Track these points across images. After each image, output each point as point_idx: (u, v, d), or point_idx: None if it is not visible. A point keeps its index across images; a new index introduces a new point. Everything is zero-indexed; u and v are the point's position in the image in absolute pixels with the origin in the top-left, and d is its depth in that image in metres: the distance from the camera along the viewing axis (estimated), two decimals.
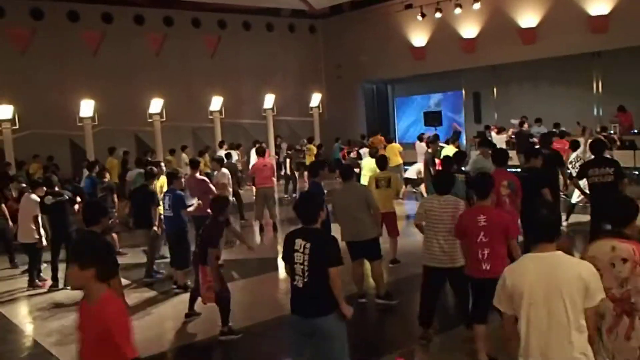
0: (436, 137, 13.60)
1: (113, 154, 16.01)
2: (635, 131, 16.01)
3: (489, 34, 18.96)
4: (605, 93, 17.78)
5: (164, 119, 18.10)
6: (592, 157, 7.83)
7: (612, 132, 15.33)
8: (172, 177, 8.75)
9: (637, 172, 14.12)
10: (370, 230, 6.95)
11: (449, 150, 12.02)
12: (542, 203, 3.42)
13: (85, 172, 13.17)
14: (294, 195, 15.65)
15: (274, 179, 12.79)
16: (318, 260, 4.20)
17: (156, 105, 17.90)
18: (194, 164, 10.39)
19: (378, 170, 8.89)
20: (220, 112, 19.13)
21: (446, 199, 5.67)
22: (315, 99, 21.80)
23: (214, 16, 21.36)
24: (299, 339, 4.42)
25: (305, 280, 4.23)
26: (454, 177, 6.10)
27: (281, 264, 9.65)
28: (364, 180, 10.87)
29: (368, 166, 11.39)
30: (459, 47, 19.78)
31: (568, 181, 9.70)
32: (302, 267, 4.23)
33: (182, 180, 9.06)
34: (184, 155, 16.48)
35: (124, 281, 7.97)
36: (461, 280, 5.48)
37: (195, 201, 8.92)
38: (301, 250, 4.24)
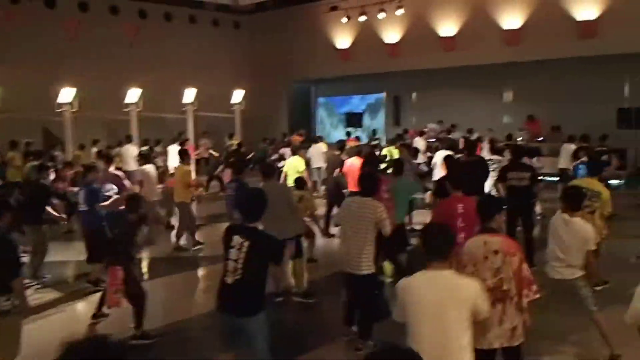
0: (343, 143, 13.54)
1: (15, 148, 14.90)
2: (541, 139, 16.93)
3: (411, 39, 19.47)
4: (515, 102, 18.71)
5: (75, 110, 17.27)
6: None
7: (519, 139, 16.14)
8: (88, 170, 8.41)
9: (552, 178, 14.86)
10: (292, 229, 6.92)
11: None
12: (435, 223, 3.67)
13: None
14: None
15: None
16: (256, 259, 4.15)
17: (67, 94, 17.02)
18: (107, 159, 10.01)
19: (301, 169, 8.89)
20: (137, 104, 18.47)
21: (365, 202, 5.64)
22: (238, 95, 21.54)
23: (133, 4, 20.66)
24: (222, 337, 4.39)
25: (237, 277, 4.15)
26: (376, 179, 6.14)
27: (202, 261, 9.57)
28: (289, 181, 10.85)
29: (292, 165, 11.19)
30: (382, 51, 20.17)
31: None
32: (235, 264, 4.16)
33: (99, 174, 8.77)
34: (94, 149, 15.78)
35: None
36: (365, 287, 5.56)
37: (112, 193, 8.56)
38: (237, 247, 4.17)
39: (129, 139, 16.37)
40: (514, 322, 4.03)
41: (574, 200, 5.38)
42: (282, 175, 10.79)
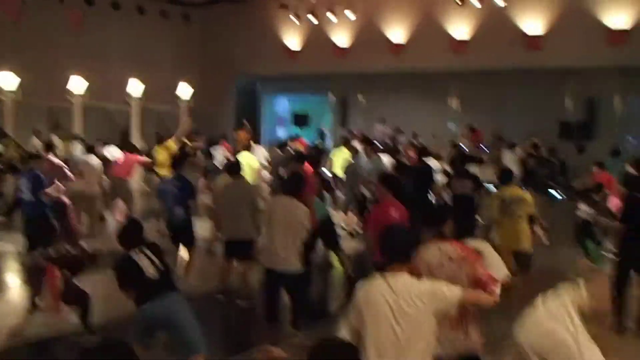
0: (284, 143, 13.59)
1: None
2: (483, 147, 17.46)
3: (361, 42, 19.69)
4: (460, 110, 19.22)
5: (17, 97, 16.67)
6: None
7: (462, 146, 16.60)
8: (32, 158, 8.20)
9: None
10: (251, 230, 6.85)
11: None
12: (396, 224, 3.59)
13: None
14: None
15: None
16: None
17: (8, 80, 16.40)
18: (48, 147, 9.74)
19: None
20: (81, 94, 17.91)
21: (290, 201, 5.70)
22: (184, 88, 21.26)
23: None
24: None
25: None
26: (302, 178, 6.21)
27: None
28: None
29: (245, 162, 11.19)
30: (330, 52, 20.32)
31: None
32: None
33: (44, 163, 8.62)
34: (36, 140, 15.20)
35: None
36: (296, 284, 5.69)
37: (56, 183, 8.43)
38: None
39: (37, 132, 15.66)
40: (472, 329, 4.01)
41: None
42: None
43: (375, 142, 16.71)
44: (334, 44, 20.33)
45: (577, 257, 8.26)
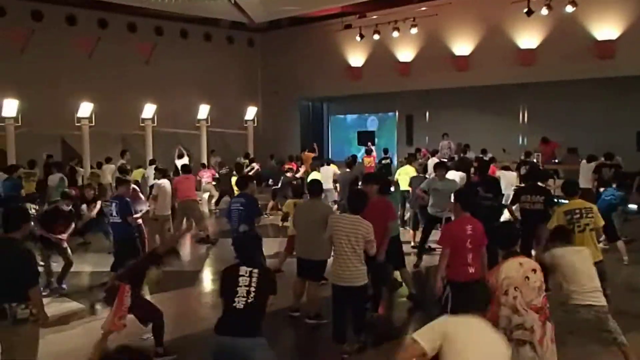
0: (354, 158, 13.56)
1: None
2: (556, 160, 16.80)
3: (424, 58, 19.50)
4: (529, 123, 18.61)
5: (93, 124, 17.49)
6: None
7: (535, 160, 16.01)
8: (120, 183, 8.72)
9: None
10: (325, 251, 6.74)
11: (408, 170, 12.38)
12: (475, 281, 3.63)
13: (3, 176, 12.57)
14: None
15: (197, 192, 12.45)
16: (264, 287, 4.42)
17: (85, 109, 17.26)
18: (123, 172, 10.14)
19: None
20: (152, 120, 18.63)
21: (355, 218, 5.76)
22: (251, 112, 21.68)
23: (150, 22, 20.92)
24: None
25: (249, 301, 4.32)
26: (366, 197, 6.20)
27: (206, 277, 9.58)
28: None
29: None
30: (394, 70, 20.22)
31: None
32: (247, 289, 4.34)
33: (131, 186, 9.10)
34: (111, 166, 15.92)
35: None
36: (360, 298, 5.83)
37: (145, 207, 9.24)
38: (246, 274, 4.40)
39: (108, 159, 16.49)
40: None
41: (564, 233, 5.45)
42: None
43: (443, 159, 16.47)
44: (398, 61, 20.22)
45: None
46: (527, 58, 17.14)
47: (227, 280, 4.45)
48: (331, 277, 5.87)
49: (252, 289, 4.31)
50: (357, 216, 5.77)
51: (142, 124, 18.55)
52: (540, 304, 3.98)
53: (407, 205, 12.53)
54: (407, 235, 11.02)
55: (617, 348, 5.08)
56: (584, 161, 13.67)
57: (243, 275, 4.36)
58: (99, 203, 10.46)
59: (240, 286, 4.31)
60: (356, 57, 21.58)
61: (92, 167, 17.14)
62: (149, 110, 18.50)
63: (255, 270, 4.40)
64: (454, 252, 5.58)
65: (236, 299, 4.29)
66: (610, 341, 5.05)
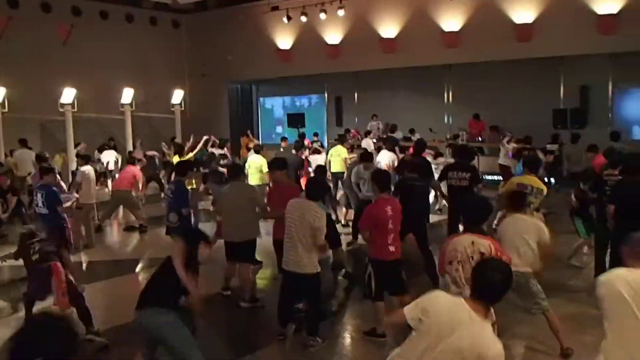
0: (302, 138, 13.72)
1: None
2: (480, 139, 17.39)
3: (352, 40, 19.60)
4: (454, 103, 19.14)
5: (6, 110, 16.58)
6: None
7: (461, 138, 16.52)
8: (45, 171, 8.31)
9: (489, 178, 15.33)
10: (252, 231, 6.89)
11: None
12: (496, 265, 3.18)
13: None
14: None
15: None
16: None
17: None
18: (42, 160, 9.72)
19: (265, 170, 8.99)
20: (72, 105, 17.80)
21: (306, 204, 5.72)
22: (178, 95, 21.15)
23: (66, 1, 19.91)
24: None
25: None
26: (325, 185, 6.31)
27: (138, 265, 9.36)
28: (252, 180, 11.12)
29: (254, 165, 11.83)
30: (323, 52, 20.23)
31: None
32: None
33: (57, 175, 8.92)
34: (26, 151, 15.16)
35: None
36: (311, 289, 5.75)
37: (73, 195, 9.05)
38: None
39: (23, 143, 15.66)
40: None
41: (518, 201, 5.58)
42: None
43: (372, 140, 16.69)
44: (326, 43, 20.23)
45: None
46: (451, 40, 17.57)
47: None
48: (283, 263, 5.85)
49: None
50: (310, 202, 5.73)
51: (62, 109, 17.67)
52: None
53: (340, 184, 12.64)
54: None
55: (541, 313, 5.36)
56: (505, 140, 14.24)
57: None
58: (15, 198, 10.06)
59: None
60: (284, 40, 21.42)
61: (6, 155, 16.21)
62: (68, 94, 17.59)
63: None
64: (375, 233, 5.66)
65: None
66: (532, 305, 5.32)
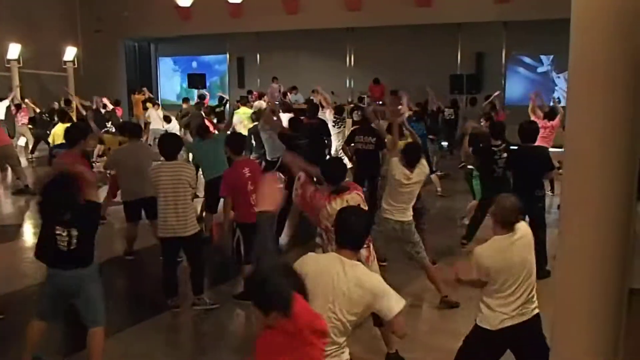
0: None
1: None
2: (380, 102, 17.78)
3: (255, 0, 19.23)
4: (356, 66, 19.42)
5: None
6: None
7: (364, 102, 16.81)
8: None
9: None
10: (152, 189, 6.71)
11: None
12: (352, 210, 3.31)
13: None
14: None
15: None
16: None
17: None
18: None
19: None
20: None
21: (178, 164, 5.67)
22: (70, 52, 19.95)
23: None
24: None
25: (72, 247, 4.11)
26: (180, 143, 6.22)
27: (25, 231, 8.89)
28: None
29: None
30: (225, 11, 19.71)
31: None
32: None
33: None
34: None
35: None
36: (195, 249, 5.70)
37: None
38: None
39: None
40: None
41: (412, 155, 5.77)
42: None
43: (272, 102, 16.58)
44: (227, 2, 19.69)
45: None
46: (353, 3, 17.73)
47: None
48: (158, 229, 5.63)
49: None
50: (180, 162, 5.69)
51: None
52: None
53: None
54: None
55: (419, 265, 5.70)
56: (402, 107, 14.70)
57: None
58: None
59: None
60: None
61: None
62: None
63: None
64: (237, 197, 5.70)
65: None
66: (414, 253, 5.63)
